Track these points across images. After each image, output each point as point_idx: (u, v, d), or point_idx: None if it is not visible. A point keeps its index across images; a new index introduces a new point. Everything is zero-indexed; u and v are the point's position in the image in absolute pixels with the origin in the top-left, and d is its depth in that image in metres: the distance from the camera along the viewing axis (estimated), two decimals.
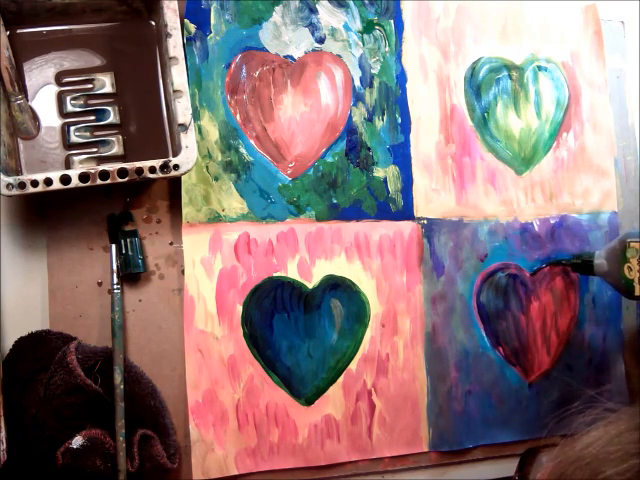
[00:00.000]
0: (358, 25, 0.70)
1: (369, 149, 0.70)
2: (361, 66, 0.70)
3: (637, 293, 0.62)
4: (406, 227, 0.70)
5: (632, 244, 0.62)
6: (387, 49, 0.71)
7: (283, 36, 0.68)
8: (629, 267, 0.62)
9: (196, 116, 0.65)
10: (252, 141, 0.67)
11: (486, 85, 0.74)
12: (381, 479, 0.69)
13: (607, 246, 0.67)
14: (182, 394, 0.63)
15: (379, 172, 0.70)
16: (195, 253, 0.64)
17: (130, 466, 0.58)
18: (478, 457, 0.72)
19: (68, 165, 0.60)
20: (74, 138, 0.61)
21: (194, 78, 0.65)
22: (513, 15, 0.75)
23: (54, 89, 0.61)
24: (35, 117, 0.60)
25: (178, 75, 0.58)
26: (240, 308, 0.65)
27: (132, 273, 0.62)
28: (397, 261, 0.70)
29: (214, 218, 0.65)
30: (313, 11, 0.69)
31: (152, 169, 0.56)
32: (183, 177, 0.63)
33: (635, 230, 0.63)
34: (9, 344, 0.60)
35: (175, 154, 0.59)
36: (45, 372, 0.58)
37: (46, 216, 0.62)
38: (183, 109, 0.58)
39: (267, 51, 0.67)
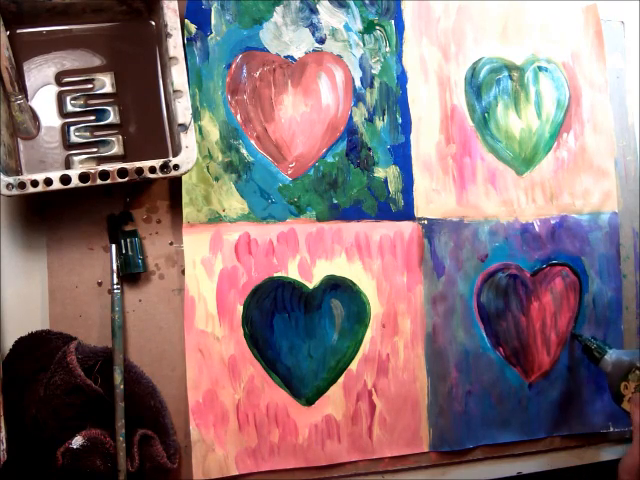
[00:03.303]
0: (359, 25, 0.70)
1: (370, 149, 0.70)
2: (362, 66, 0.70)
3: (623, 406, 0.67)
4: (406, 227, 0.70)
5: (638, 372, 0.66)
6: (388, 49, 0.71)
7: (284, 36, 0.68)
8: (626, 385, 0.66)
9: (196, 116, 0.64)
10: (253, 141, 0.67)
11: (487, 85, 0.74)
12: (381, 479, 0.69)
13: (622, 351, 0.69)
14: (182, 394, 0.63)
15: (380, 172, 0.70)
16: (196, 253, 0.64)
17: (130, 466, 0.58)
18: (478, 457, 0.72)
19: (68, 165, 0.60)
20: (74, 138, 0.61)
21: (194, 78, 0.65)
22: (514, 15, 0.75)
23: (54, 89, 0.61)
24: (35, 117, 0.60)
25: (178, 75, 0.58)
26: (240, 308, 0.65)
27: (132, 273, 0.62)
28: (397, 261, 0.70)
29: (215, 218, 0.65)
30: (314, 11, 0.69)
31: (152, 169, 0.56)
32: (184, 177, 0.63)
33: None
34: (9, 344, 0.60)
35: (175, 154, 0.58)
36: (45, 372, 0.58)
37: (46, 216, 0.62)
38: (183, 109, 0.58)
39: (268, 51, 0.67)
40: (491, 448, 0.72)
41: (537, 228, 0.74)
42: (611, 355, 0.69)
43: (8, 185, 0.53)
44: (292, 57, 0.68)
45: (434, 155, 0.72)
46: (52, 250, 0.62)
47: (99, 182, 0.55)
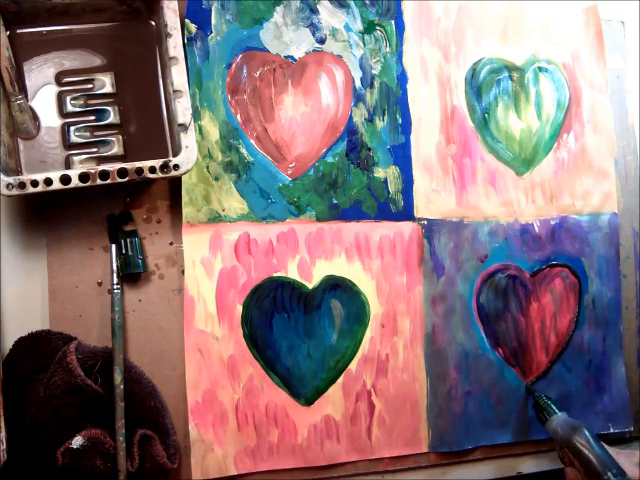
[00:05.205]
0: (359, 25, 0.70)
1: (369, 149, 0.70)
2: (362, 66, 0.70)
3: (563, 467, 0.66)
4: (406, 228, 0.70)
5: (567, 451, 0.64)
6: (388, 49, 0.71)
7: (284, 36, 0.68)
8: (562, 454, 0.66)
9: (196, 116, 0.64)
10: (252, 141, 0.67)
11: (487, 86, 0.74)
12: (381, 479, 0.69)
13: (564, 421, 0.67)
14: (182, 394, 0.63)
15: (379, 172, 0.70)
16: (195, 253, 0.64)
17: (130, 466, 0.58)
18: (478, 457, 0.72)
19: (68, 165, 0.60)
20: (74, 138, 0.61)
21: (195, 78, 0.65)
22: (514, 16, 0.75)
23: (54, 89, 0.61)
24: (35, 117, 0.60)
25: (178, 75, 0.58)
26: (240, 308, 0.65)
27: (132, 273, 0.62)
28: (397, 262, 0.70)
29: (214, 218, 0.65)
30: (314, 11, 0.69)
31: (152, 169, 0.56)
32: (183, 177, 0.63)
33: (583, 435, 0.64)
34: (9, 344, 0.60)
35: (175, 154, 0.58)
36: (45, 372, 0.58)
37: (46, 216, 0.62)
38: (183, 109, 0.58)
39: (268, 51, 0.67)
40: (491, 448, 0.72)
41: (537, 229, 0.74)
42: (552, 421, 0.67)
43: (8, 185, 0.53)
44: (292, 57, 0.68)
45: (434, 155, 0.72)
46: (52, 250, 0.62)
47: (99, 182, 0.55)
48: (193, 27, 0.65)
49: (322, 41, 0.69)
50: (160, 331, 0.64)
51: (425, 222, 0.71)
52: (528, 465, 0.74)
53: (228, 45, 0.66)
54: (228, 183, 0.66)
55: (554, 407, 0.69)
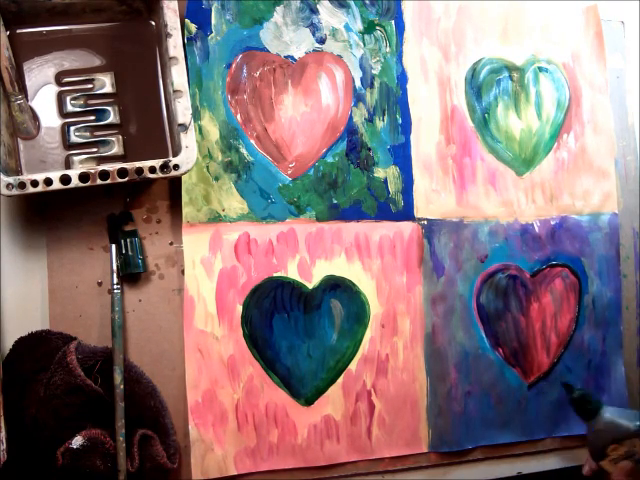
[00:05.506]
0: (359, 25, 0.70)
1: (369, 149, 0.70)
2: (362, 66, 0.70)
3: (603, 464, 0.65)
4: (406, 228, 0.70)
5: (622, 445, 0.64)
6: (388, 49, 0.71)
7: (284, 36, 0.68)
8: (615, 448, 0.65)
9: (197, 116, 0.64)
10: (252, 141, 0.67)
11: (487, 86, 0.74)
12: (381, 479, 0.69)
13: (615, 410, 0.66)
14: (182, 394, 0.63)
15: (379, 172, 0.70)
16: (195, 253, 0.64)
17: (130, 466, 0.58)
18: (478, 457, 0.72)
19: (68, 165, 0.60)
20: (74, 138, 0.61)
21: (195, 78, 0.65)
22: (514, 16, 0.75)
23: (54, 89, 0.61)
24: (35, 117, 0.60)
25: (178, 75, 0.58)
26: (240, 308, 0.65)
27: (132, 273, 0.62)
28: (397, 262, 0.70)
29: (214, 218, 0.65)
30: (314, 11, 0.69)
31: (152, 169, 0.56)
32: (183, 177, 0.63)
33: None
34: (9, 344, 0.60)
35: (175, 154, 0.58)
36: (45, 372, 0.58)
37: (46, 216, 0.62)
38: (183, 109, 0.58)
39: (268, 51, 0.67)
40: (491, 448, 0.72)
41: (537, 229, 0.74)
42: (605, 412, 0.66)
43: (8, 185, 0.53)
44: (292, 57, 0.68)
45: (434, 155, 0.72)
46: (52, 250, 0.62)
47: (99, 182, 0.55)
48: (193, 27, 0.65)
49: (322, 41, 0.69)
50: (160, 331, 0.64)
51: (425, 222, 0.71)
52: (528, 465, 0.74)
53: (228, 45, 0.66)
54: (228, 183, 0.66)
55: (599, 402, 0.67)
